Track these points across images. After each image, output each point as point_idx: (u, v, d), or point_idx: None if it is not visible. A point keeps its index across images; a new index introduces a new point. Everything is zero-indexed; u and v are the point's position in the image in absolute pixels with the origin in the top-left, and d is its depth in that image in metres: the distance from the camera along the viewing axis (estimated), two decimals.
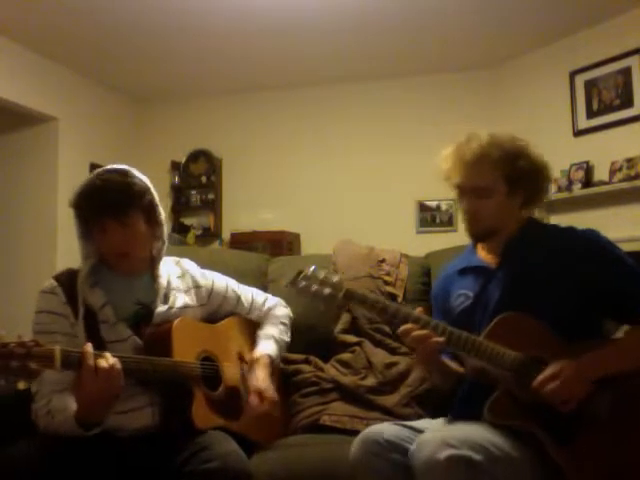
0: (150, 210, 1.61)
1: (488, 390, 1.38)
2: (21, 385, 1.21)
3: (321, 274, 1.47)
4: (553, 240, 1.54)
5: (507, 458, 1.25)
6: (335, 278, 1.47)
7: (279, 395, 1.90)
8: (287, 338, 1.89)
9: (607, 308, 1.47)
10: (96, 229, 1.55)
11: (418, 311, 1.45)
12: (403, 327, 1.42)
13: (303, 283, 1.46)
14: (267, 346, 1.78)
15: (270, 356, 1.75)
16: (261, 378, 1.67)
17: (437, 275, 1.81)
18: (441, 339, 1.39)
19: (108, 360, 1.35)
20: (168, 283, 1.66)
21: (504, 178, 1.51)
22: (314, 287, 1.45)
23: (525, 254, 1.52)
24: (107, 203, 1.51)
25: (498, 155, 1.50)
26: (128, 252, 1.57)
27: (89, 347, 1.35)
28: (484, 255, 1.62)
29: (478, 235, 1.58)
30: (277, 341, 1.82)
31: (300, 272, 1.48)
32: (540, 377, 1.32)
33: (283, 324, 1.89)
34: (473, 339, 1.38)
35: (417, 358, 1.50)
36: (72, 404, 1.40)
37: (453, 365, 1.58)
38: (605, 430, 1.32)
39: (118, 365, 1.36)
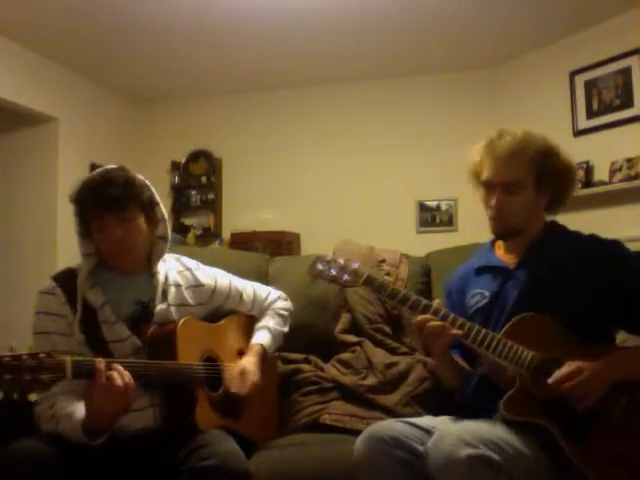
0: (150, 207, 1.62)
1: (497, 390, 1.39)
2: (32, 397, 1.21)
3: (340, 260, 1.50)
4: (575, 244, 1.53)
5: (521, 457, 1.25)
6: (355, 265, 1.49)
7: (276, 393, 1.91)
8: (284, 329, 1.89)
9: (624, 316, 1.47)
10: (95, 225, 1.54)
11: (436, 303, 1.45)
12: (421, 317, 1.42)
13: (320, 267, 1.49)
14: (260, 336, 1.80)
15: (262, 345, 1.77)
16: (247, 361, 1.69)
17: (448, 274, 1.80)
18: (459, 332, 1.39)
19: (123, 377, 1.34)
20: (166, 279, 1.66)
21: (534, 175, 1.51)
22: (333, 272, 1.48)
23: (546, 256, 1.52)
24: (107, 198, 1.51)
25: (530, 151, 1.50)
26: (127, 249, 1.56)
27: (101, 363, 1.33)
28: (502, 254, 1.61)
29: (502, 233, 1.57)
30: (271, 331, 1.82)
31: (318, 257, 1.51)
32: (557, 374, 1.32)
33: (280, 315, 1.89)
34: (492, 335, 1.38)
35: (431, 351, 1.49)
36: (78, 410, 1.39)
37: (463, 363, 1.58)
38: (619, 432, 1.33)
39: (132, 382, 1.35)
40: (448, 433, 1.27)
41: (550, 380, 1.32)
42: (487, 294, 1.56)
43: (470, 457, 1.18)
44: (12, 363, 1.19)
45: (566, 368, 1.32)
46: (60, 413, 1.42)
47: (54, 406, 1.44)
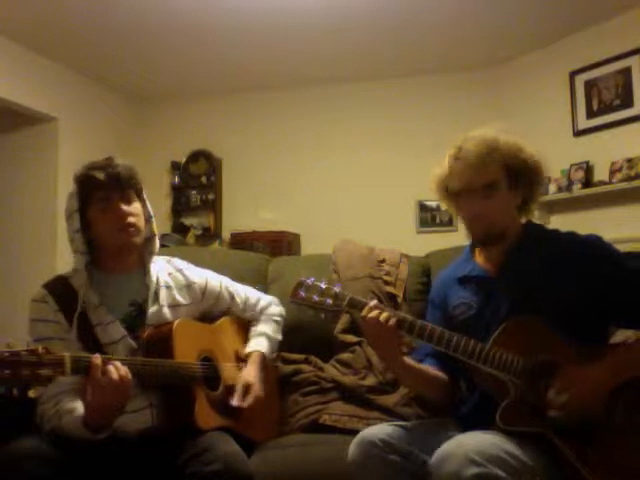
0: (143, 199, 1.68)
1: (495, 401, 1.36)
2: (32, 393, 1.21)
3: (322, 285, 1.49)
4: (555, 246, 1.50)
5: (523, 468, 1.23)
6: (336, 288, 1.48)
7: (275, 393, 1.91)
8: (279, 336, 1.89)
9: (614, 313, 1.45)
10: (99, 207, 1.57)
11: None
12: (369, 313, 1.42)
13: (303, 294, 1.48)
14: (259, 343, 1.80)
15: (262, 353, 1.76)
16: (250, 373, 1.69)
17: (435, 278, 1.78)
18: (394, 318, 1.40)
19: (119, 371, 1.34)
20: (157, 280, 1.67)
21: (507, 172, 1.48)
22: (315, 298, 1.47)
23: (527, 261, 1.49)
24: (115, 175, 1.57)
25: (501, 150, 1.48)
26: (132, 224, 1.59)
27: (98, 359, 1.33)
28: (482, 262, 1.57)
29: (491, 237, 1.51)
30: (269, 338, 1.82)
31: (299, 283, 1.50)
32: (551, 391, 1.31)
33: (275, 322, 1.89)
34: (481, 346, 1.37)
35: (380, 352, 1.49)
36: (80, 406, 1.40)
37: (433, 370, 1.56)
38: (620, 433, 1.31)
39: (129, 376, 1.36)
40: (453, 452, 1.24)
41: (547, 397, 1.31)
42: (474, 305, 1.52)
43: (476, 476, 1.17)
44: (11, 359, 1.19)
45: (560, 383, 1.31)
46: (63, 409, 1.43)
47: (58, 404, 1.45)
